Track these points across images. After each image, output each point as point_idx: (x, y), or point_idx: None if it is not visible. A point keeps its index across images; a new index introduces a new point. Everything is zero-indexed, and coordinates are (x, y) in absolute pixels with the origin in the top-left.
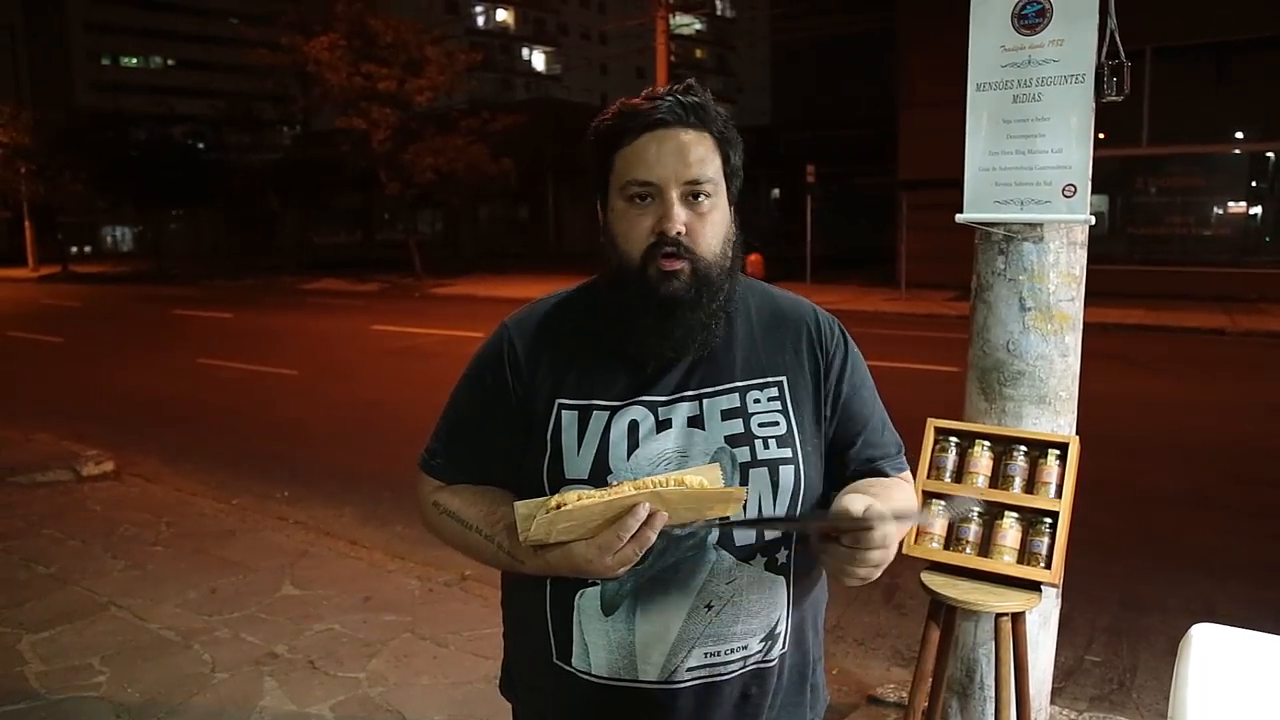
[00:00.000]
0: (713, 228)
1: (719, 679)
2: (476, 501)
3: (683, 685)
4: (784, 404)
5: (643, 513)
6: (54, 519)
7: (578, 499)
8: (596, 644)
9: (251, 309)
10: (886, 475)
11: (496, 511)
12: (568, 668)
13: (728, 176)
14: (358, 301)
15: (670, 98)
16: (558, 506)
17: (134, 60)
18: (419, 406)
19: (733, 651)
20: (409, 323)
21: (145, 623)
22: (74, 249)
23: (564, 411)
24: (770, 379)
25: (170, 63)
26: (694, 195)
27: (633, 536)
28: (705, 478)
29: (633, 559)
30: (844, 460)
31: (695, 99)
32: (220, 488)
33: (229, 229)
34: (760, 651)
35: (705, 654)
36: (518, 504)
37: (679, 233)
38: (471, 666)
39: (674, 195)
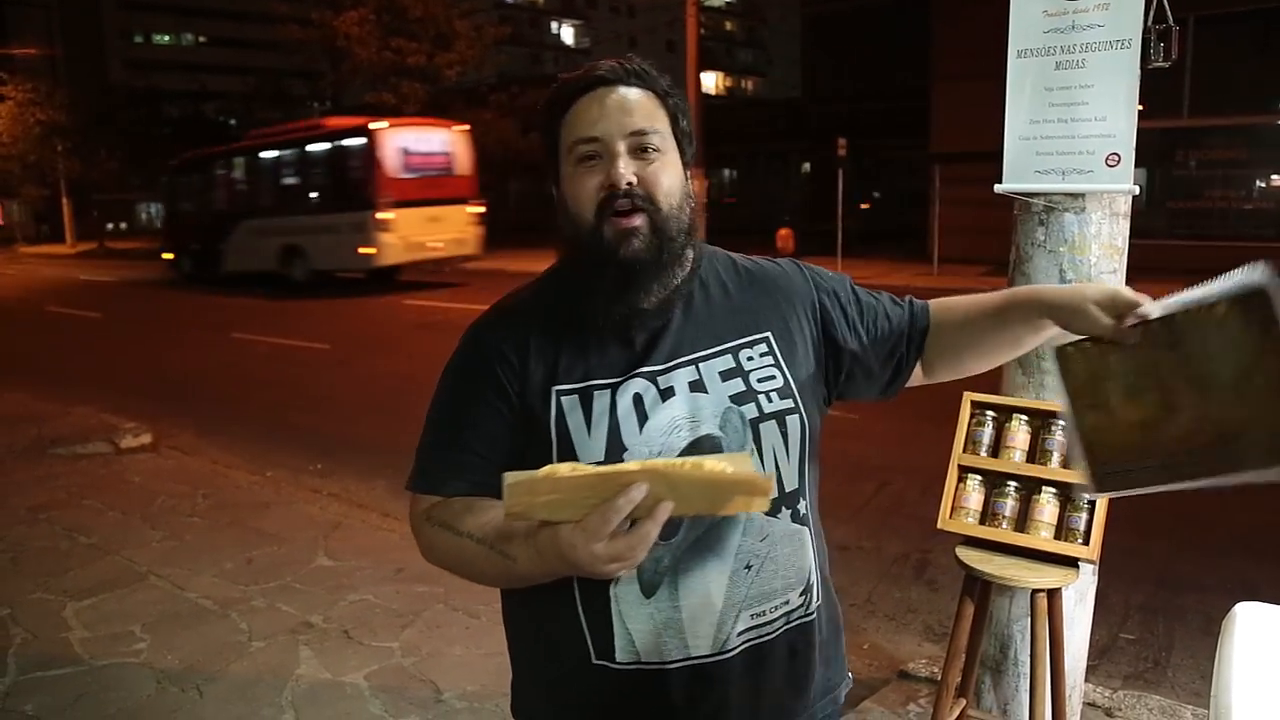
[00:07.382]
0: (667, 179)
1: (766, 639)
2: (470, 508)
3: (733, 652)
4: (775, 357)
5: (636, 494)
6: (94, 490)
7: (570, 470)
8: (641, 630)
9: (284, 283)
10: (929, 324)
11: (489, 513)
12: (612, 665)
13: (678, 138)
14: None
15: (611, 62)
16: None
17: (166, 38)
18: None
19: (776, 609)
20: (441, 297)
21: (184, 592)
22: (110, 226)
23: (563, 397)
24: (757, 335)
25: (202, 40)
26: (642, 149)
27: (633, 532)
28: (731, 466)
29: (626, 556)
30: (892, 347)
31: (637, 65)
32: (255, 460)
33: None
34: (801, 606)
35: (752, 615)
36: (507, 474)
37: (630, 183)
38: (503, 638)
39: (620, 147)
